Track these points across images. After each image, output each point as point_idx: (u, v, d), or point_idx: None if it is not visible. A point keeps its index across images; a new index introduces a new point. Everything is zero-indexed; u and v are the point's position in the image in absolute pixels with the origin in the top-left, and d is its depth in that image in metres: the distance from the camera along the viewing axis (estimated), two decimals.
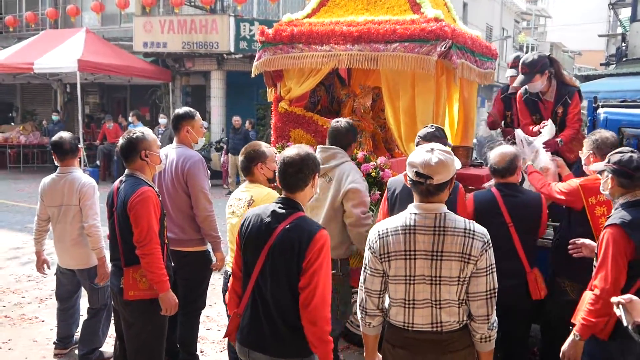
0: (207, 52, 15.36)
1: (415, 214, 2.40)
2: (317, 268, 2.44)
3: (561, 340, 3.08)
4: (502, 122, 5.80)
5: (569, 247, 3.52)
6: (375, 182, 4.45)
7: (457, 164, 2.44)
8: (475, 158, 5.60)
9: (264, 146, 3.68)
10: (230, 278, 2.86)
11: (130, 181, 3.39)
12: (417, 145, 3.60)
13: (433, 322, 2.40)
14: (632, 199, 2.99)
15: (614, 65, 19.30)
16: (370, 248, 2.48)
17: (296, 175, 2.60)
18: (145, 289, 3.37)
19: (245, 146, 3.71)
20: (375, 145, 5.33)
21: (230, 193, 12.32)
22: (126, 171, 3.48)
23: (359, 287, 2.55)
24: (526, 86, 4.88)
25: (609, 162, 3.07)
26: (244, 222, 2.68)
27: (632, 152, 3.07)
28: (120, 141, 3.47)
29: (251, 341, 2.60)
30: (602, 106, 4.46)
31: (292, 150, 2.68)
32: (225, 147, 14.20)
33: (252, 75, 5.27)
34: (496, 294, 2.41)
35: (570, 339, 2.98)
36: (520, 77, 4.81)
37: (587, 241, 3.50)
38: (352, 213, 3.78)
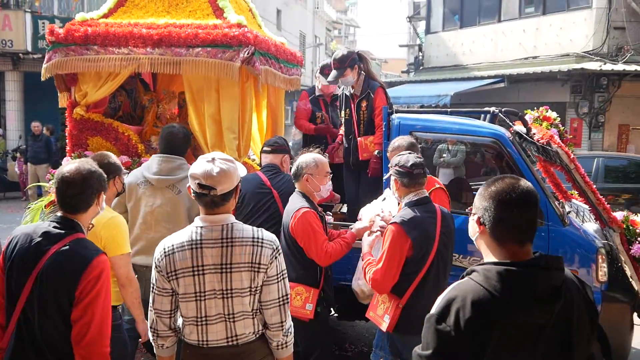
0: None
1: (201, 227, 2.32)
2: (92, 298, 2.19)
3: None
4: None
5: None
6: None
7: (242, 170, 2.41)
8: None
9: (113, 157, 3.31)
10: None
11: None
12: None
13: (228, 337, 2.34)
14: (415, 198, 3.19)
15: (413, 73, 21.28)
16: (156, 267, 2.34)
17: (78, 196, 2.33)
18: None
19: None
20: None
21: None
22: None
23: (149, 308, 2.40)
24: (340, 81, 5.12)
25: (392, 165, 3.29)
26: (10, 242, 2.35)
27: (409, 153, 3.32)
28: None
29: None
30: (396, 112, 4.83)
31: (72, 166, 2.37)
32: (20, 155, 12.70)
33: (42, 79, 4.77)
34: (289, 300, 2.42)
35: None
36: (333, 72, 5.02)
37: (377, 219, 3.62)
38: None
